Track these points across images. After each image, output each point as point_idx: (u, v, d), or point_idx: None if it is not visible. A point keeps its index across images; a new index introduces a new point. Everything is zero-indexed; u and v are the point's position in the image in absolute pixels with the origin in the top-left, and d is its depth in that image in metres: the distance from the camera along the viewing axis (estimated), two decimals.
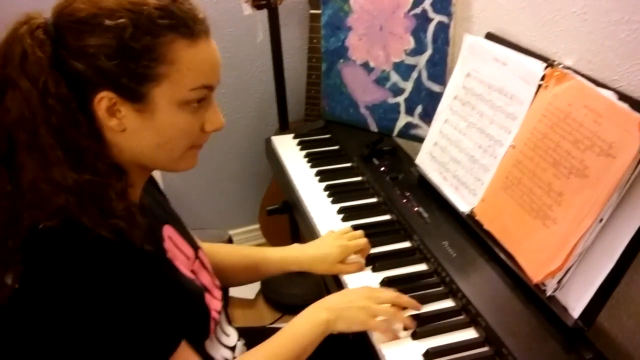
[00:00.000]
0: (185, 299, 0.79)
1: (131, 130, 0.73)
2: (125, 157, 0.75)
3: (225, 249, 1.09)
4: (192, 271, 0.86)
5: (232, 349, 0.93)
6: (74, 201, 0.67)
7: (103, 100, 0.70)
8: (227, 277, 1.03)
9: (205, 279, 0.89)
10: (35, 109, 0.67)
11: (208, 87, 0.74)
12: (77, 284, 0.66)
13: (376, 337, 0.85)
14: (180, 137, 0.75)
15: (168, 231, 0.85)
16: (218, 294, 0.91)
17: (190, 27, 0.71)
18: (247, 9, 1.53)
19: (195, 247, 0.91)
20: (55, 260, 0.67)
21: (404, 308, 0.89)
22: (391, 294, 0.90)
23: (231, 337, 0.94)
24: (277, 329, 1.19)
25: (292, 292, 1.97)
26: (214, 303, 0.87)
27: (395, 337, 0.85)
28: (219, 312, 0.89)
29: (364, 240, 1.02)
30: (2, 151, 0.69)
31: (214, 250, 1.04)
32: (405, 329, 0.86)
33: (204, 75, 0.73)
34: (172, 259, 0.82)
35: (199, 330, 0.83)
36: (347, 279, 0.99)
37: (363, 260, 1.02)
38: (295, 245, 1.09)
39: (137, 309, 0.69)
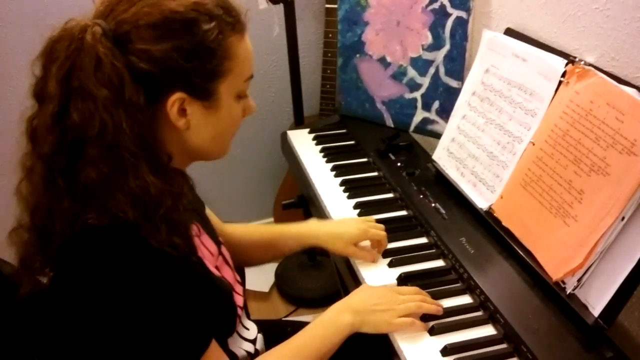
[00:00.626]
0: (217, 297, 0.80)
1: (194, 127, 0.74)
2: (179, 154, 0.76)
3: (242, 229, 1.10)
4: (216, 267, 0.87)
5: (253, 341, 0.94)
6: (161, 209, 0.68)
7: (176, 102, 0.71)
8: (246, 256, 1.06)
9: (228, 274, 0.90)
10: (120, 120, 0.66)
11: (251, 77, 0.78)
12: (118, 282, 0.67)
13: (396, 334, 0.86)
14: (232, 127, 0.80)
15: (194, 228, 0.86)
16: (240, 289, 0.92)
17: (242, 22, 0.75)
18: (263, 3, 1.53)
19: (219, 243, 0.92)
20: (99, 257, 0.68)
21: None
22: (411, 289, 0.90)
23: (251, 330, 0.95)
24: (293, 322, 1.21)
25: (306, 285, 1.99)
26: (238, 299, 0.88)
27: (424, 328, 0.85)
28: (241, 308, 0.90)
29: (383, 233, 1.02)
30: (61, 165, 0.68)
31: (231, 230, 1.06)
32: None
33: (251, 65, 0.78)
34: (201, 257, 0.83)
35: (226, 327, 0.84)
36: (364, 274, 0.99)
37: (377, 253, 1.01)
38: (313, 220, 1.10)
39: (173, 308, 0.70)
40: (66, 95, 0.66)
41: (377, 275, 0.98)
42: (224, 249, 0.92)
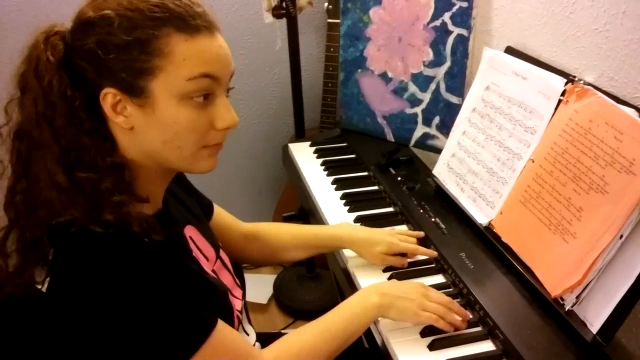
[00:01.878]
0: (210, 291, 0.81)
1: (138, 127, 0.74)
2: (137, 156, 0.77)
3: (275, 229, 1.12)
4: (213, 271, 0.88)
5: None
6: (64, 198, 0.71)
7: (107, 96, 0.72)
8: (280, 255, 1.10)
9: (227, 278, 0.91)
10: (41, 108, 0.71)
11: (209, 76, 0.73)
12: (113, 279, 0.69)
13: (393, 343, 0.86)
14: (185, 133, 0.74)
15: (190, 232, 0.87)
16: (239, 293, 0.92)
17: (186, 21, 0.72)
18: (269, 17, 1.55)
19: (217, 247, 0.93)
20: (74, 256, 0.71)
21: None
22: (444, 297, 0.91)
23: (250, 336, 0.96)
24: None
25: (304, 297, 1.99)
26: (236, 302, 0.89)
27: (448, 327, 0.87)
28: (240, 312, 0.91)
29: (413, 246, 1.05)
30: (22, 148, 0.74)
31: (264, 229, 1.10)
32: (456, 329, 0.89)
33: (203, 64, 0.73)
34: (196, 258, 0.84)
35: (219, 307, 0.85)
36: (362, 283, 0.99)
37: (406, 261, 1.04)
38: (346, 224, 1.12)
39: (162, 296, 0.71)
40: (21, 85, 0.74)
41: None
42: (222, 253, 0.93)
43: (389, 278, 1.01)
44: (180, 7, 0.73)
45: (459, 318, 0.88)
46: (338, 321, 0.85)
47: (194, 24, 0.73)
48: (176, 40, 0.71)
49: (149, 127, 0.74)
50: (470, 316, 0.91)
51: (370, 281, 1.00)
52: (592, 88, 0.93)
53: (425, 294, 0.90)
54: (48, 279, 0.76)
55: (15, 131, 0.74)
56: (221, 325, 0.75)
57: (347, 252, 1.08)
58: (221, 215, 1.07)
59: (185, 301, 0.73)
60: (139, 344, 0.70)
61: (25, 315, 0.82)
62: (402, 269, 1.02)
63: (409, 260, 1.05)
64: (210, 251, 0.89)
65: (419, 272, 1.02)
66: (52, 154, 0.71)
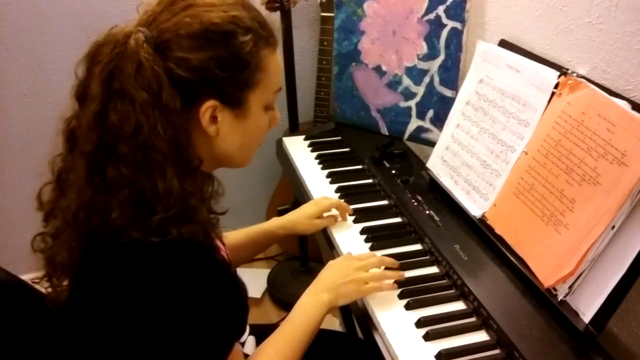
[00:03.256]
0: (241, 300, 0.83)
1: (223, 134, 0.77)
2: (207, 158, 0.78)
3: (232, 234, 1.15)
4: None
5: (242, 344, 0.96)
6: (169, 213, 0.69)
7: (208, 109, 0.73)
8: (238, 258, 1.11)
9: None
10: (155, 122, 0.68)
11: (280, 89, 0.81)
12: (156, 285, 0.69)
13: (388, 333, 0.87)
14: (259, 137, 0.83)
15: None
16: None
17: (274, 37, 0.78)
18: (262, 11, 1.54)
19: (223, 244, 0.93)
20: (137, 266, 0.70)
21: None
22: (374, 259, 0.98)
23: (245, 334, 0.96)
24: None
25: (298, 291, 1.95)
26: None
27: (391, 288, 0.95)
28: None
29: (333, 200, 1.16)
30: (100, 164, 0.70)
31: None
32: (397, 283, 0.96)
33: (281, 78, 0.81)
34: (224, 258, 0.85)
35: (241, 328, 0.88)
36: None
37: (337, 214, 1.15)
38: (274, 218, 1.19)
39: (208, 309, 0.72)
40: (107, 97, 0.69)
41: None
42: (227, 250, 0.94)
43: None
44: (269, 24, 0.78)
45: (395, 274, 0.96)
46: (299, 327, 0.89)
47: (275, 38, 0.79)
48: (267, 54, 0.76)
49: (235, 133, 0.78)
50: (404, 274, 0.97)
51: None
52: (585, 80, 0.93)
53: (358, 267, 0.95)
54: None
55: (96, 147, 0.69)
56: (236, 345, 0.77)
57: (344, 249, 1.08)
58: None
59: (223, 315, 0.74)
60: (169, 346, 0.70)
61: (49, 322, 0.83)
62: (406, 280, 1.02)
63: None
64: (223, 249, 0.90)
65: (412, 265, 1.02)
66: (170, 169, 0.69)
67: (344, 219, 1.15)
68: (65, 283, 0.78)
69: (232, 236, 1.13)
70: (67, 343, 0.80)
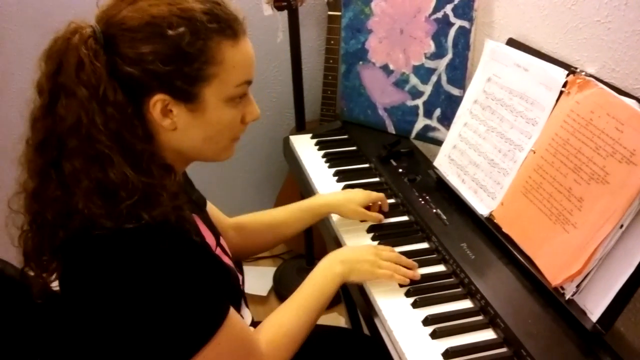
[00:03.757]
0: (226, 275, 0.84)
1: (182, 128, 0.76)
2: (173, 153, 0.79)
3: (248, 217, 1.15)
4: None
5: None
6: (132, 199, 0.70)
7: (158, 103, 0.73)
8: (257, 242, 1.13)
9: (228, 264, 0.92)
10: (94, 116, 0.69)
11: (248, 82, 0.79)
12: (139, 269, 0.70)
13: (395, 331, 0.87)
14: (225, 131, 0.80)
15: (196, 219, 0.88)
16: (240, 278, 0.95)
17: (234, 28, 0.76)
18: (268, 10, 1.55)
19: (217, 235, 0.94)
20: (115, 254, 0.71)
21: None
22: (394, 254, 0.99)
23: (246, 319, 0.97)
24: None
25: None
26: (240, 279, 0.93)
27: (402, 280, 0.95)
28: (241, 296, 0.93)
29: (382, 194, 1.16)
30: (52, 156, 0.72)
31: (246, 218, 1.14)
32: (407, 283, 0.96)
33: (246, 71, 0.78)
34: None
35: (234, 306, 0.87)
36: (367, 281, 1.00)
37: (382, 217, 1.14)
38: (318, 195, 1.18)
39: (194, 284, 0.73)
40: (55, 90, 0.71)
41: (380, 280, 0.99)
42: (222, 241, 0.95)
43: None
44: (226, 14, 0.75)
45: (409, 272, 0.96)
46: (310, 296, 0.91)
47: (236, 29, 0.76)
48: (225, 47, 0.75)
49: (193, 127, 0.77)
50: (419, 275, 0.98)
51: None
52: (593, 79, 0.93)
53: (377, 253, 0.97)
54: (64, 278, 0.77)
55: (45, 138, 0.72)
56: (232, 310, 0.77)
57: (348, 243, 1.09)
58: (212, 209, 1.09)
59: (210, 287, 0.75)
60: (163, 326, 0.71)
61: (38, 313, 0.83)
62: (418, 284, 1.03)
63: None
64: (211, 239, 0.91)
65: (419, 263, 1.02)
66: (118, 161, 0.70)
67: (381, 220, 1.15)
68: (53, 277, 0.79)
69: (269, 214, 1.15)
70: (63, 335, 0.81)
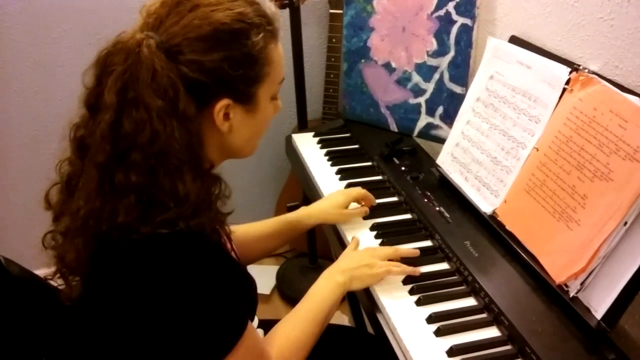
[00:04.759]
0: (248, 284, 0.84)
1: (235, 129, 0.78)
2: (216, 154, 0.80)
3: (243, 227, 1.14)
4: None
5: None
6: (184, 211, 0.70)
7: (222, 108, 0.74)
8: (252, 251, 1.12)
9: None
10: (172, 129, 0.69)
11: (283, 79, 0.82)
12: (170, 274, 0.70)
13: (400, 329, 0.87)
14: (265, 127, 0.84)
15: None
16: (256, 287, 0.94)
17: (277, 28, 0.78)
18: (271, 8, 1.55)
19: (230, 239, 0.94)
20: (149, 258, 0.70)
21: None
22: (390, 249, 1.00)
23: (254, 323, 0.97)
24: None
25: (307, 288, 1.97)
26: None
27: (401, 272, 0.97)
28: None
29: (363, 190, 1.15)
30: (112, 170, 0.70)
31: (234, 230, 1.09)
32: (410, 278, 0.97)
33: (283, 68, 0.81)
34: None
35: (251, 314, 0.88)
36: None
37: (367, 208, 1.14)
38: (302, 208, 1.19)
39: (221, 293, 0.73)
40: (121, 106, 0.69)
41: (383, 279, 0.99)
42: (233, 244, 0.95)
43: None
44: (271, 13, 0.77)
45: (408, 268, 0.97)
46: (315, 306, 0.91)
47: (277, 30, 0.78)
48: (271, 47, 0.77)
49: (244, 127, 0.79)
50: (419, 270, 0.98)
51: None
52: (596, 76, 0.93)
53: (373, 254, 0.97)
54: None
55: (110, 157, 0.69)
56: (249, 323, 0.77)
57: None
58: None
59: (234, 299, 0.75)
60: (186, 335, 0.71)
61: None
62: (407, 258, 1.03)
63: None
64: (228, 243, 0.91)
65: (423, 261, 1.02)
66: (186, 171, 0.70)
67: (366, 212, 1.15)
68: (77, 279, 0.79)
69: (256, 227, 1.14)
70: (81, 338, 0.81)
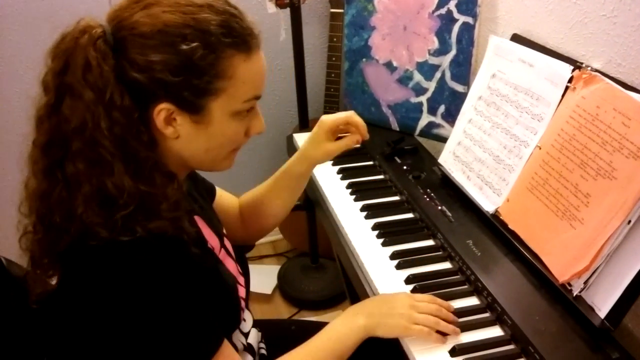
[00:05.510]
0: (224, 291, 0.81)
1: (184, 137, 0.75)
2: (175, 160, 0.78)
3: (251, 192, 1.12)
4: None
5: (246, 335, 0.95)
6: (128, 210, 0.69)
7: (162, 111, 0.72)
8: (271, 210, 1.08)
9: (231, 266, 0.91)
10: (99, 119, 0.68)
11: (257, 97, 0.77)
12: (131, 282, 0.69)
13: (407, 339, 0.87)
14: (228, 143, 0.79)
15: (198, 222, 0.87)
16: (242, 280, 0.93)
17: (248, 43, 0.74)
18: (272, 7, 1.54)
19: (221, 236, 0.93)
20: (107, 267, 0.69)
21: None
22: (433, 306, 0.86)
23: (247, 322, 0.97)
24: (297, 321, 1.22)
25: (308, 287, 2.00)
26: (241, 290, 0.90)
27: (439, 341, 0.84)
28: (244, 299, 0.92)
29: (343, 115, 1.02)
30: (58, 156, 0.70)
31: (247, 197, 1.11)
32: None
33: (256, 87, 0.76)
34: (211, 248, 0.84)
35: (232, 322, 0.85)
36: (372, 276, 1.00)
37: (358, 136, 1.02)
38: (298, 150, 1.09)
39: (186, 308, 0.71)
40: (61, 89, 0.69)
41: (386, 277, 0.99)
42: (226, 242, 0.94)
43: (397, 267, 1.01)
44: (242, 27, 0.73)
45: (450, 327, 0.84)
46: (326, 345, 0.84)
47: (250, 44, 0.74)
48: (238, 62, 0.73)
49: (196, 138, 0.75)
50: (460, 332, 0.86)
51: (379, 271, 1.00)
52: (599, 74, 0.92)
53: (413, 305, 0.86)
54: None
55: (50, 138, 0.70)
56: (225, 344, 0.76)
57: (356, 245, 1.08)
58: (222, 197, 1.08)
59: (201, 314, 0.73)
60: (146, 351, 0.70)
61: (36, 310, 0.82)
62: (409, 257, 1.02)
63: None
64: (215, 241, 0.90)
65: (425, 260, 1.02)
66: (118, 167, 0.69)
67: (364, 137, 1.03)
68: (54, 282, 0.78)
69: (259, 191, 1.10)
70: (48, 341, 0.80)
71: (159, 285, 0.69)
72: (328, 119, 1.01)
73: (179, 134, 0.75)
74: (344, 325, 0.85)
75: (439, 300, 0.88)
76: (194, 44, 0.69)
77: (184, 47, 0.69)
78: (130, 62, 0.69)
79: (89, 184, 0.69)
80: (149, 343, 0.70)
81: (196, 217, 0.87)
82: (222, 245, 0.92)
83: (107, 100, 0.68)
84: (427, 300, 0.87)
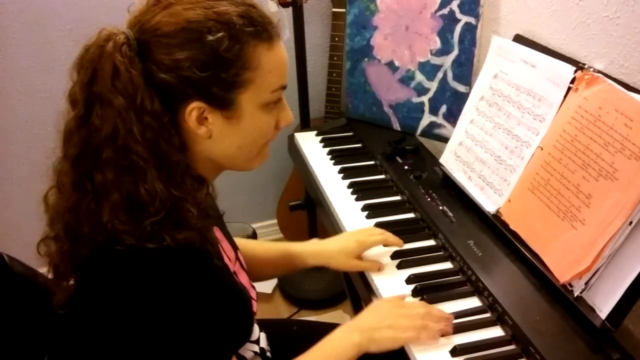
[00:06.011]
0: (239, 306, 0.81)
1: (217, 135, 0.74)
2: (206, 162, 0.77)
3: (251, 244, 1.11)
4: (234, 272, 0.87)
5: (257, 341, 0.95)
6: (158, 216, 0.68)
7: (194, 110, 0.71)
8: (255, 272, 1.05)
9: (244, 279, 0.91)
10: (131, 125, 0.68)
11: (283, 87, 0.77)
12: (150, 293, 0.68)
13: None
14: (260, 137, 0.78)
15: (216, 234, 0.86)
16: (254, 293, 0.93)
17: (269, 32, 0.74)
18: (274, 6, 1.54)
19: (235, 248, 0.92)
20: (130, 273, 0.69)
21: None
22: (420, 310, 0.86)
23: (255, 329, 0.96)
24: (298, 321, 1.21)
25: (309, 287, 2.00)
26: (253, 304, 0.89)
27: (432, 339, 0.84)
28: (255, 313, 0.91)
29: (380, 237, 1.03)
30: (87, 168, 0.69)
31: (241, 245, 1.06)
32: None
33: (281, 76, 0.76)
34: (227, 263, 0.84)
35: (243, 336, 0.86)
36: (374, 278, 1.00)
37: (382, 262, 1.01)
38: (314, 240, 1.11)
39: (198, 322, 0.71)
40: (90, 100, 0.69)
41: (387, 277, 0.99)
42: (239, 254, 0.93)
43: (398, 267, 1.01)
44: (262, 17, 0.73)
45: (437, 327, 0.84)
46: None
47: (271, 33, 0.74)
48: (261, 52, 0.72)
49: (229, 135, 0.75)
50: (451, 332, 0.86)
51: (381, 274, 1.00)
52: (602, 75, 0.92)
53: (399, 315, 0.86)
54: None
55: (81, 151, 0.69)
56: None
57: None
58: None
59: (215, 327, 0.73)
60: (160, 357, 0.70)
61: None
62: (410, 257, 1.02)
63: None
64: (231, 253, 0.89)
65: (426, 260, 1.02)
66: (151, 173, 0.68)
67: (400, 246, 1.03)
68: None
69: (262, 249, 1.09)
70: (67, 345, 0.80)
71: (178, 296, 0.69)
72: (369, 240, 1.02)
73: (212, 133, 0.74)
74: (340, 343, 0.84)
75: (429, 306, 0.88)
76: (220, 34, 0.69)
77: (210, 38, 0.69)
78: (157, 63, 0.69)
79: (118, 192, 0.68)
80: (157, 351, 0.70)
81: (216, 228, 0.86)
82: (237, 258, 0.91)
83: (138, 105, 0.68)
84: (415, 306, 0.88)
